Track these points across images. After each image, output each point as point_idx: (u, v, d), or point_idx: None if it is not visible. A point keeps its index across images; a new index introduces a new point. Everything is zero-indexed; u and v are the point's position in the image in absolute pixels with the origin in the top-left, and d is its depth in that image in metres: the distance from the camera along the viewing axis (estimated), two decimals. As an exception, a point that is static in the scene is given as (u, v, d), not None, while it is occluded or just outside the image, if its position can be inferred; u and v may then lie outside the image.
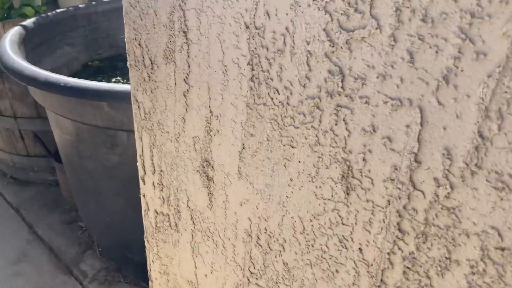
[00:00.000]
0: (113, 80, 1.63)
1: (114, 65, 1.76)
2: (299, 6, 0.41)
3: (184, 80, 0.58)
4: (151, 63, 0.62)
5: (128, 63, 0.66)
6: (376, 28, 0.36)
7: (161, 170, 0.71)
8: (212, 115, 0.56)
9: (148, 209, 0.79)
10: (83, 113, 1.03)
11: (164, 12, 0.56)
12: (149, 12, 0.58)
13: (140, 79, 0.65)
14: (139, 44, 0.62)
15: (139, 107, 0.69)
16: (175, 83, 0.59)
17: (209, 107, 0.56)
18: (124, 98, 0.92)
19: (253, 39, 0.46)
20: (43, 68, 1.14)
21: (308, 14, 0.40)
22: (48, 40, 1.59)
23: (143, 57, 0.63)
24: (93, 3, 1.86)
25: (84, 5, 1.79)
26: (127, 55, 0.66)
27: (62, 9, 1.70)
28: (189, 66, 0.56)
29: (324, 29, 0.40)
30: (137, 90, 0.67)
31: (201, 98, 0.56)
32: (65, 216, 1.91)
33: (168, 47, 0.58)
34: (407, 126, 0.37)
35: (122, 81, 1.64)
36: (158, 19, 0.57)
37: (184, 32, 0.54)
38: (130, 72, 0.67)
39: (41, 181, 2.09)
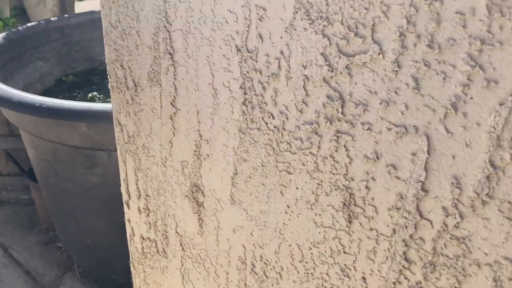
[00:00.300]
0: (90, 95, 1.58)
1: (90, 79, 1.71)
2: (295, 29, 0.39)
3: (171, 103, 0.55)
4: (135, 85, 0.59)
5: (109, 85, 0.63)
6: (379, 54, 0.34)
7: (147, 195, 0.68)
8: (201, 139, 0.54)
9: (134, 234, 0.76)
10: (60, 134, 0.99)
11: (147, 33, 0.53)
12: (131, 33, 0.55)
13: (123, 102, 0.62)
14: (121, 66, 0.59)
15: (122, 130, 0.66)
16: (161, 106, 0.57)
17: (198, 131, 0.53)
18: (104, 118, 0.89)
19: (245, 62, 0.44)
20: (15, 85, 1.09)
21: (304, 37, 0.39)
22: (19, 55, 1.53)
23: (126, 79, 0.60)
24: (65, 15, 1.80)
25: (56, 18, 1.73)
26: (108, 76, 0.63)
27: (33, 23, 1.64)
28: (176, 89, 0.53)
29: (322, 54, 0.38)
30: (120, 113, 0.64)
31: (189, 121, 0.54)
32: (42, 236, 1.83)
33: (152, 69, 0.55)
34: (413, 154, 0.35)
35: (98, 96, 1.59)
36: (142, 40, 0.55)
37: (170, 54, 0.52)
38: (112, 94, 0.64)
39: (15, 200, 2.01)
